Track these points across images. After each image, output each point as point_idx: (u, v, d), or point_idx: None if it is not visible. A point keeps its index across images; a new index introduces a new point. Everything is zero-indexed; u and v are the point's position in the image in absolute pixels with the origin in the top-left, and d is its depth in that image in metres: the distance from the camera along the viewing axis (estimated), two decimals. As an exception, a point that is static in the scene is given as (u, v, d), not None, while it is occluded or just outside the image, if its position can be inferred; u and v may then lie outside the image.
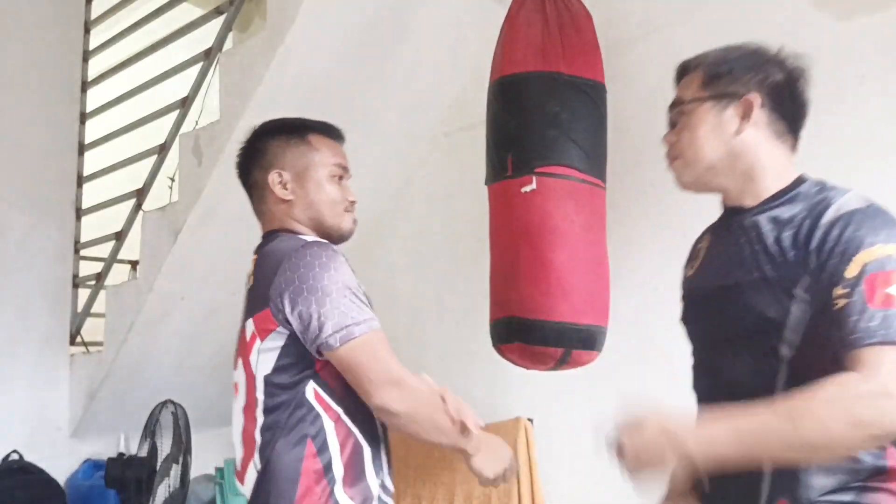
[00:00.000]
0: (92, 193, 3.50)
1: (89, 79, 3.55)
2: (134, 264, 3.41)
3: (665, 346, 2.33)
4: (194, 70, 3.05)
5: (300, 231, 1.41)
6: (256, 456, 1.30)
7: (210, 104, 2.97)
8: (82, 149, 3.50)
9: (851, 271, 1.03)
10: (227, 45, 3.02)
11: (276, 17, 2.58)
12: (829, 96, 2.23)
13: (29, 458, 3.03)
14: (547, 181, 2.04)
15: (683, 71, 1.28)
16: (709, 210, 1.40)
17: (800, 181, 1.19)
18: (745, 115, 1.18)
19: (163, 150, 3.12)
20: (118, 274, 3.42)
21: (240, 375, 1.35)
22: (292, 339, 1.27)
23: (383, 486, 1.34)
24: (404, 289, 3.37)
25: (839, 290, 1.04)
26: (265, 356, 1.28)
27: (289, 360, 1.27)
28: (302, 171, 1.42)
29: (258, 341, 1.29)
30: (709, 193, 1.28)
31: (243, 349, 1.33)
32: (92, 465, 3.21)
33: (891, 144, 2.15)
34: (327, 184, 1.42)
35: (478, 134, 3.08)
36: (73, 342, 3.37)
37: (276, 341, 1.27)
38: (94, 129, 3.53)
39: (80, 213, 3.47)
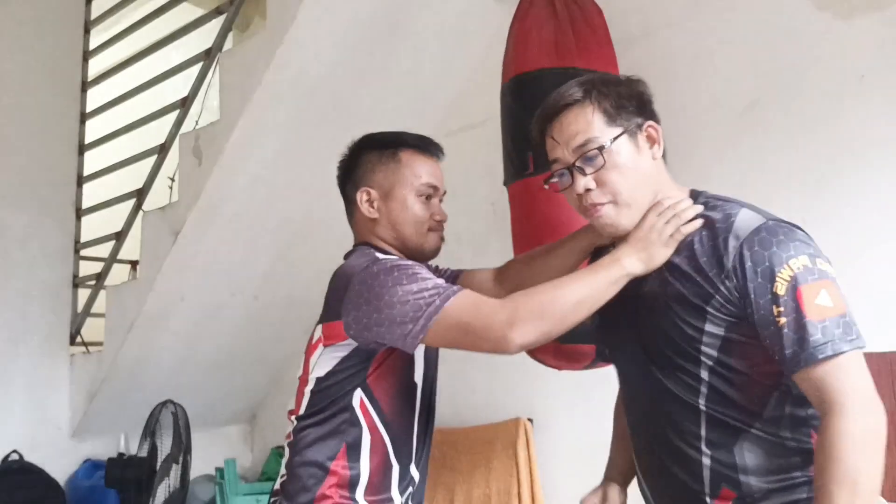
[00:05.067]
0: (92, 193, 3.50)
1: (89, 79, 3.55)
2: (134, 264, 3.41)
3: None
4: (194, 70, 3.05)
5: (382, 248, 1.40)
6: (292, 438, 1.35)
7: (210, 104, 2.97)
8: (82, 149, 3.51)
9: (779, 289, 1.02)
10: (227, 45, 3.01)
11: (276, 17, 2.57)
12: (829, 96, 2.25)
13: (29, 458, 3.03)
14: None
15: (553, 113, 1.21)
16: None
17: (693, 196, 1.20)
18: (653, 140, 1.19)
19: (163, 150, 3.12)
20: (118, 274, 3.42)
21: (300, 370, 1.39)
22: (357, 351, 1.28)
23: None
24: (404, 289, 3.36)
25: (777, 309, 1.02)
26: (325, 359, 1.31)
27: (345, 367, 1.29)
28: (389, 189, 1.40)
29: (321, 346, 1.31)
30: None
31: (308, 349, 1.37)
32: (92, 465, 3.20)
33: (891, 144, 2.15)
34: (413, 203, 1.39)
35: (478, 134, 3.10)
36: (73, 342, 3.37)
37: (339, 349, 1.29)
38: (94, 129, 3.53)
39: (80, 213, 3.47)
